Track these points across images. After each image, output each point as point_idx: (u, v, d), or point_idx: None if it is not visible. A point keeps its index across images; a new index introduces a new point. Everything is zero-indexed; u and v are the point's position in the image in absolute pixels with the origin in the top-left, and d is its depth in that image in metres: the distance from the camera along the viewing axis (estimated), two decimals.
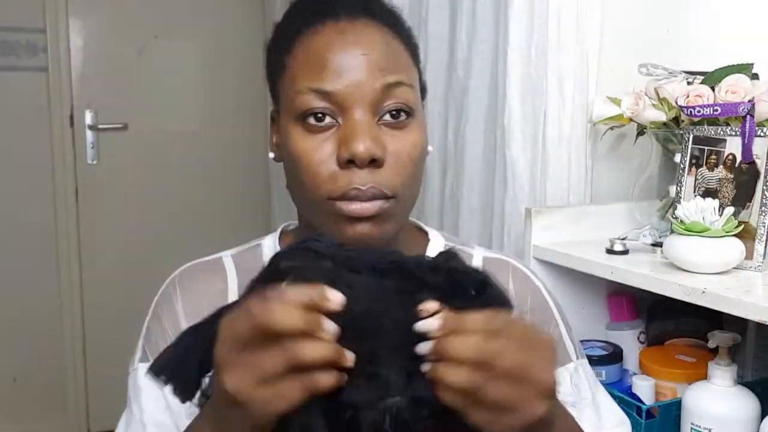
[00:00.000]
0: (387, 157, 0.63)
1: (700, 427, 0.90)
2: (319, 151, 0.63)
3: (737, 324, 0.97)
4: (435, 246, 0.75)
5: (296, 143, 0.64)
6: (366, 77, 0.63)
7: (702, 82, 1.04)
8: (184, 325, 0.64)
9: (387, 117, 0.64)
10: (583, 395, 0.76)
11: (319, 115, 0.63)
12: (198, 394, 0.51)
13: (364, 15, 0.67)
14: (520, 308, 0.73)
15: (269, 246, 0.75)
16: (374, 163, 0.62)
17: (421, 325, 0.45)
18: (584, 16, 1.25)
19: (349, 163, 0.62)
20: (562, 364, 0.75)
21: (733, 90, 0.97)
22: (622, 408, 0.97)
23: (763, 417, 0.87)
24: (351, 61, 0.63)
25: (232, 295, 0.70)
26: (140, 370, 0.69)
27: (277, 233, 0.77)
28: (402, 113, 0.65)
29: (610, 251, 1.03)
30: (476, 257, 0.76)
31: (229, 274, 0.73)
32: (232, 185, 2.67)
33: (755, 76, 1.02)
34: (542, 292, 0.77)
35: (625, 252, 1.02)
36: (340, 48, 0.64)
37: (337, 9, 0.66)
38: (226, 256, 0.75)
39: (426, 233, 0.77)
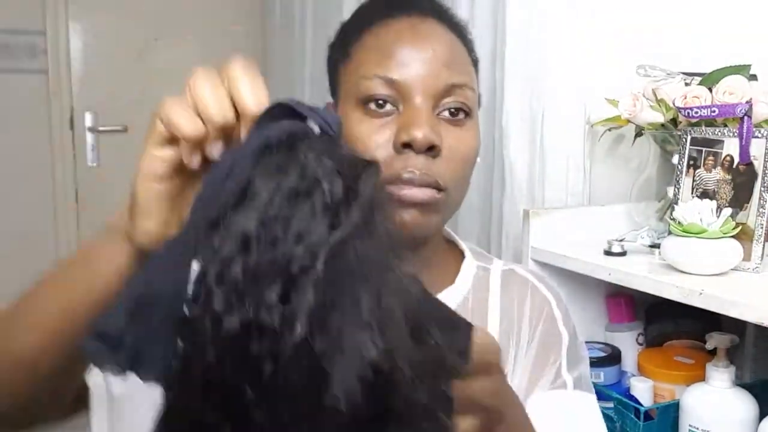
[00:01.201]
0: (443, 150, 0.63)
1: (698, 428, 0.90)
2: (378, 135, 0.63)
3: (735, 325, 0.97)
4: (468, 265, 0.73)
5: (355, 126, 0.64)
6: (433, 72, 0.64)
7: (700, 83, 1.04)
8: None
9: (446, 114, 0.65)
10: None
11: (380, 102, 0.64)
12: None
13: (434, 16, 0.68)
14: (535, 329, 0.71)
15: None
16: (431, 151, 0.62)
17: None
18: (582, 17, 1.25)
19: (405, 147, 0.61)
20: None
21: (731, 91, 0.97)
22: (620, 410, 0.97)
23: (761, 418, 0.86)
24: (419, 54, 0.64)
25: None
26: None
27: None
28: (461, 112, 0.65)
29: (608, 253, 1.03)
30: (494, 271, 0.75)
31: None
32: None
33: (753, 77, 1.02)
34: (557, 322, 0.73)
35: (623, 253, 1.02)
36: (410, 40, 0.65)
37: (410, 7, 0.68)
38: None
39: (459, 249, 0.76)
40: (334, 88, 0.71)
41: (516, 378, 0.69)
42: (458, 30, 0.70)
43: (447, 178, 0.63)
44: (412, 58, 0.64)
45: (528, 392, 0.68)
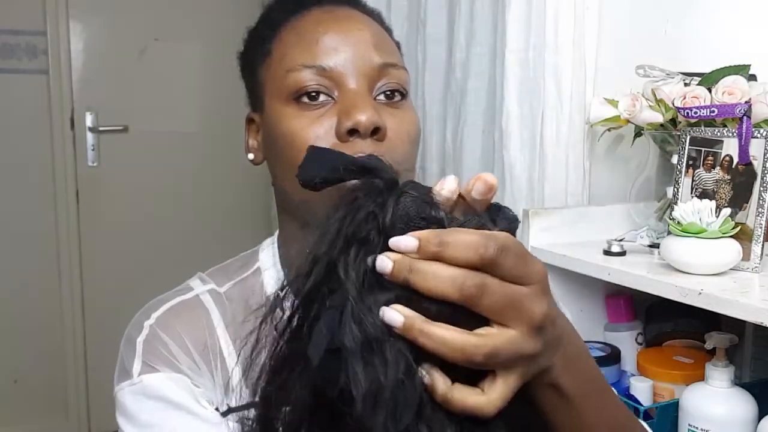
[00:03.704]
0: (387, 133, 0.60)
1: (697, 428, 0.90)
2: (316, 127, 0.59)
3: (735, 325, 0.97)
4: None
5: (290, 122, 0.60)
6: (362, 54, 0.61)
7: (699, 84, 1.04)
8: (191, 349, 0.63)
9: (381, 97, 0.62)
10: None
11: (313, 94, 0.60)
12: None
13: (348, 4, 0.66)
14: None
15: (269, 268, 0.69)
16: (376, 134, 0.59)
17: (394, 243, 0.39)
18: (581, 18, 1.25)
19: (350, 134, 0.58)
20: None
21: (730, 91, 0.97)
22: None
23: (760, 418, 0.87)
24: (345, 38, 0.61)
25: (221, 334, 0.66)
26: (151, 380, 0.62)
27: (272, 252, 0.70)
28: (397, 94, 0.63)
29: (607, 252, 1.03)
30: None
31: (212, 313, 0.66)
32: (233, 186, 2.68)
33: (752, 77, 1.02)
34: None
35: (622, 253, 1.02)
36: (332, 26, 0.62)
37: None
38: (203, 294, 0.68)
39: None
40: (255, 93, 0.67)
41: None
42: (374, 15, 0.68)
43: (397, 160, 0.57)
44: (338, 43, 0.61)
45: None
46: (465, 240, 0.39)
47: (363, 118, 0.58)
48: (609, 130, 1.18)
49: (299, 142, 0.59)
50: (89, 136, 2.53)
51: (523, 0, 1.29)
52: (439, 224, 0.40)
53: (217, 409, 0.63)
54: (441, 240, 0.39)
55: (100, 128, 2.53)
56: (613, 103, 1.13)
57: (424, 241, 0.39)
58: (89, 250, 2.54)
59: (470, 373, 0.40)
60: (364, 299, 0.39)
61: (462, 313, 0.39)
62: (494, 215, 0.43)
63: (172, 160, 2.61)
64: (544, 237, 1.11)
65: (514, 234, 0.43)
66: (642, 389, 1.01)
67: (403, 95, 0.63)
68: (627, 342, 1.13)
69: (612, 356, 1.09)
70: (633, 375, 1.07)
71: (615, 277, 0.97)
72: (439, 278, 0.38)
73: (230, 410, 0.64)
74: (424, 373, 0.39)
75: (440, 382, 0.40)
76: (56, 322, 2.52)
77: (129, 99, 2.55)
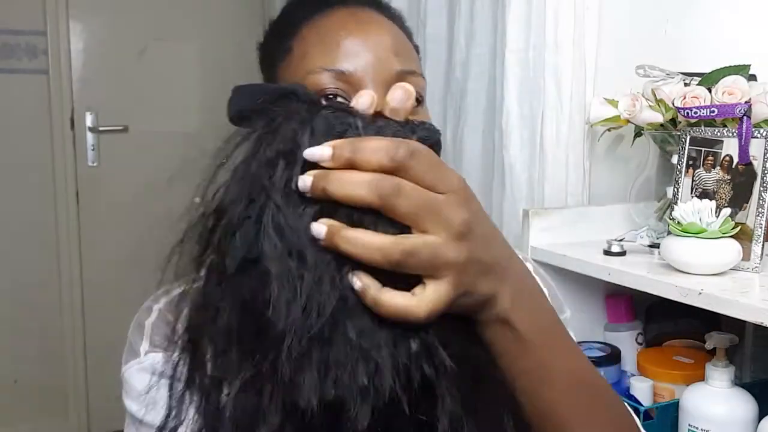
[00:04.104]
0: None
1: (697, 428, 0.90)
2: None
3: (735, 325, 0.97)
4: None
5: None
6: (382, 60, 0.62)
7: (699, 84, 1.04)
8: None
9: None
10: None
11: (330, 96, 0.61)
12: None
13: (371, 6, 0.67)
14: None
15: None
16: None
17: (309, 153, 0.40)
18: (581, 18, 1.25)
19: None
20: None
21: (730, 91, 0.97)
22: None
23: (760, 418, 0.87)
24: (366, 43, 0.62)
25: None
26: (159, 357, 0.61)
27: None
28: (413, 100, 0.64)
29: (607, 252, 1.03)
30: None
31: None
32: None
33: (752, 77, 1.02)
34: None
35: (622, 253, 1.02)
36: (354, 29, 0.63)
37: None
38: None
39: None
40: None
41: None
42: (396, 18, 0.68)
43: None
44: (359, 48, 0.62)
45: None
46: (376, 144, 0.40)
47: None
48: (609, 130, 1.18)
49: None
50: (89, 136, 2.53)
51: (523, 0, 1.29)
52: (358, 132, 0.41)
53: None
54: (354, 146, 0.40)
55: (100, 128, 2.53)
56: (613, 103, 1.13)
57: (337, 148, 0.40)
58: (89, 250, 2.54)
59: (404, 286, 0.40)
60: (288, 211, 0.39)
61: (384, 223, 0.40)
62: (414, 127, 0.43)
63: (172, 160, 2.61)
64: (544, 237, 1.11)
65: (437, 147, 0.44)
66: (642, 389, 1.01)
67: (419, 102, 0.64)
68: (627, 342, 1.13)
69: (612, 356, 1.09)
70: (633, 375, 1.07)
71: (615, 277, 0.97)
72: (354, 183, 0.39)
73: None
74: (353, 277, 0.40)
75: (369, 284, 0.40)
76: (56, 321, 2.52)
77: (129, 99, 2.55)
